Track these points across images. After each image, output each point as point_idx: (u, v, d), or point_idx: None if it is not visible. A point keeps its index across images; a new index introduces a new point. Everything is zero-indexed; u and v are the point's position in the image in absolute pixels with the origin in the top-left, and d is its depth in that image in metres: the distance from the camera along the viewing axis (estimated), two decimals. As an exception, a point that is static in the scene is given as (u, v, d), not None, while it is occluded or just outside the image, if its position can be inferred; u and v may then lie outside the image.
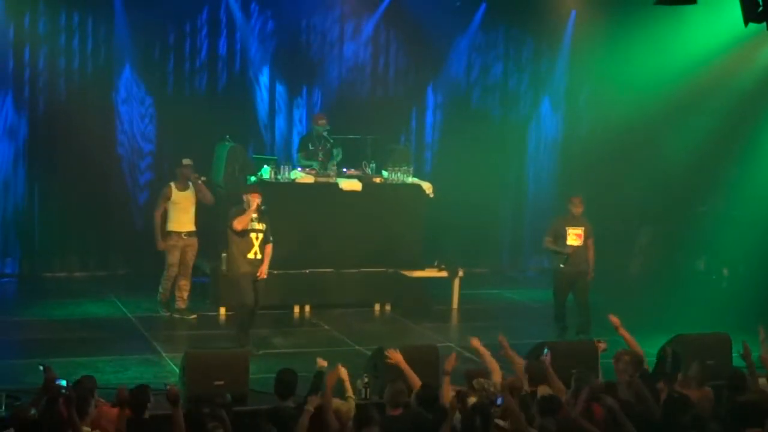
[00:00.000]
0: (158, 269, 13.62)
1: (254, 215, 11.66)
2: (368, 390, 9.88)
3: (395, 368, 9.22)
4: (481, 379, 8.78)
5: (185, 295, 13.52)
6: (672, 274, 16.84)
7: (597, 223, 13.31)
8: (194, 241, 13.50)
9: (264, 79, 16.69)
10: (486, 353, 9.49)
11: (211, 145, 14.90)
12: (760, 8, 8.49)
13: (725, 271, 17.10)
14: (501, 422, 7.87)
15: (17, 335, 12.34)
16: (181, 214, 13.39)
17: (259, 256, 11.71)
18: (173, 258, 13.36)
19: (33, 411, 7.65)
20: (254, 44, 16.53)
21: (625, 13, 16.23)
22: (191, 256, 13.50)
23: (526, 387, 8.76)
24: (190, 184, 13.44)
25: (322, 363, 8.96)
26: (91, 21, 15.65)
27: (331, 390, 8.31)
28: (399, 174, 14.69)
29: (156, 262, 13.83)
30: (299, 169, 14.52)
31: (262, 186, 13.71)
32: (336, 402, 8.37)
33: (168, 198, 13.37)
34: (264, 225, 11.73)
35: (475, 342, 9.65)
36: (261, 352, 11.57)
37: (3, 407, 8.99)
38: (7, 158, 15.49)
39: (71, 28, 15.56)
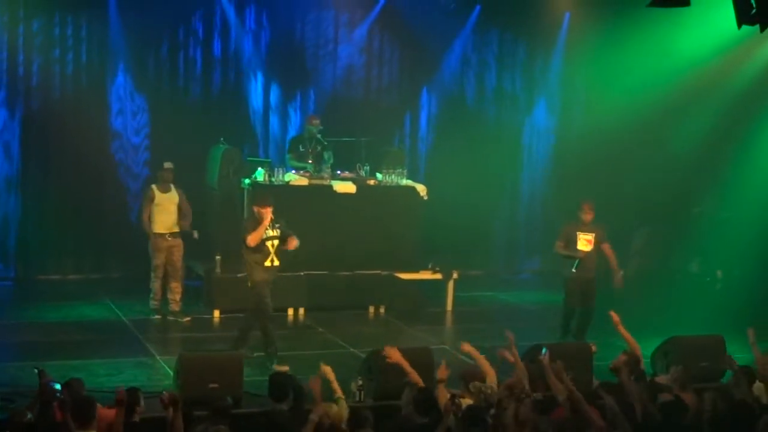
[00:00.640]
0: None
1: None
2: (362, 393, 9.88)
3: (393, 365, 9.16)
4: (478, 382, 8.77)
5: (178, 297, 13.53)
6: (666, 276, 16.86)
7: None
8: (179, 242, 13.55)
9: (258, 81, 16.68)
10: (480, 356, 9.45)
11: (205, 148, 14.93)
12: (754, 10, 8.50)
13: (719, 273, 17.12)
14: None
15: (11, 338, 12.30)
16: (165, 215, 13.46)
17: (276, 263, 11.57)
18: (158, 260, 13.44)
19: (29, 415, 7.65)
20: (249, 47, 16.52)
21: (619, 15, 16.25)
22: (178, 257, 13.53)
23: (526, 387, 8.71)
24: (172, 186, 13.53)
25: (326, 368, 8.86)
26: (85, 24, 15.62)
27: (320, 394, 8.18)
28: (393, 176, 14.69)
29: (150, 265, 13.82)
30: (293, 171, 14.52)
31: (256, 188, 13.76)
32: (324, 406, 8.27)
33: (152, 200, 13.46)
34: (277, 231, 11.53)
35: (467, 347, 9.58)
36: (255, 354, 11.55)
37: (-2, 410, 8.99)
38: (0, 161, 15.47)
39: (65, 31, 15.53)
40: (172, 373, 10.28)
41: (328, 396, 8.54)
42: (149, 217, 13.46)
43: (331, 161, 14.88)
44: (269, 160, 15.17)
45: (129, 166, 16.04)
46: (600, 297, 12.61)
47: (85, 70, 15.69)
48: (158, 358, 11.59)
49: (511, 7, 17.20)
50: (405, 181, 14.82)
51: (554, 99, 18.30)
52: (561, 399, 8.29)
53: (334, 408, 8.32)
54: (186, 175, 14.24)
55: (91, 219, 15.69)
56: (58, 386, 7.98)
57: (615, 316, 10.38)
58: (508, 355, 9.34)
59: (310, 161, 14.80)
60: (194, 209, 13.70)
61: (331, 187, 14.33)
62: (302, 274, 14.11)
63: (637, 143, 17.25)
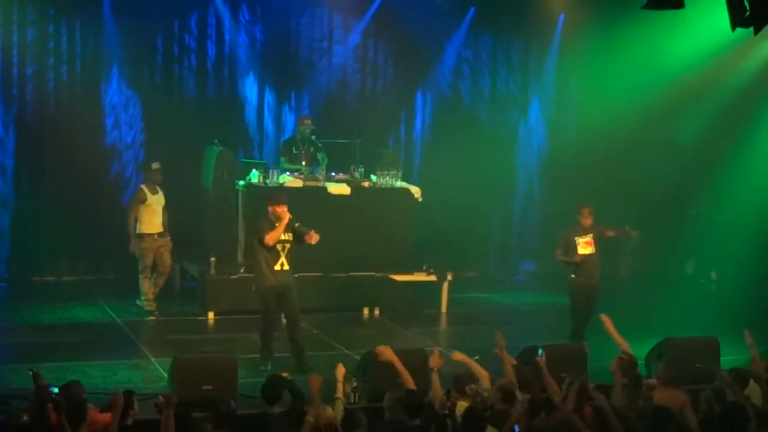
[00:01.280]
0: (147, 274, 13.67)
1: None
2: (357, 394, 9.88)
3: (388, 367, 9.15)
4: (474, 385, 8.77)
5: (157, 290, 13.77)
6: (661, 277, 16.88)
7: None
8: (167, 240, 13.72)
9: (253, 83, 16.68)
10: (472, 362, 9.40)
11: (200, 150, 14.90)
12: (747, 13, 8.50)
13: (714, 275, 17.18)
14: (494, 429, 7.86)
15: (5, 339, 12.28)
16: (153, 216, 13.59)
17: (285, 267, 11.44)
18: (148, 260, 13.56)
19: (25, 417, 7.64)
20: (243, 49, 16.52)
21: (614, 17, 16.24)
22: (167, 256, 13.74)
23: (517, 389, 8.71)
24: (158, 188, 13.65)
25: (341, 369, 8.88)
26: (79, 26, 15.61)
27: (318, 393, 8.20)
28: (388, 178, 14.68)
29: (139, 266, 13.81)
30: (287, 173, 14.51)
31: (251, 189, 13.75)
32: (319, 408, 8.26)
33: (143, 201, 13.55)
34: (290, 235, 11.43)
35: (458, 355, 9.53)
36: (250, 356, 11.52)
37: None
38: (-4, 162, 15.49)
39: (59, 34, 15.50)
40: (166, 375, 10.27)
41: (328, 396, 8.55)
42: (136, 218, 13.52)
43: (325, 162, 14.87)
44: (264, 161, 15.15)
45: (124, 167, 16.03)
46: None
47: (80, 72, 15.67)
48: (152, 359, 11.57)
49: (505, 8, 17.20)
50: (399, 183, 14.82)
51: (549, 100, 18.31)
52: (557, 400, 8.29)
53: (329, 411, 8.33)
54: (180, 176, 14.23)
55: (86, 221, 15.65)
56: (55, 390, 7.97)
57: (606, 320, 10.35)
58: (505, 355, 9.39)
59: (303, 163, 14.81)
60: (189, 211, 13.74)
61: (325, 188, 14.32)
62: (296, 275, 14.08)
63: (631, 144, 17.25)
